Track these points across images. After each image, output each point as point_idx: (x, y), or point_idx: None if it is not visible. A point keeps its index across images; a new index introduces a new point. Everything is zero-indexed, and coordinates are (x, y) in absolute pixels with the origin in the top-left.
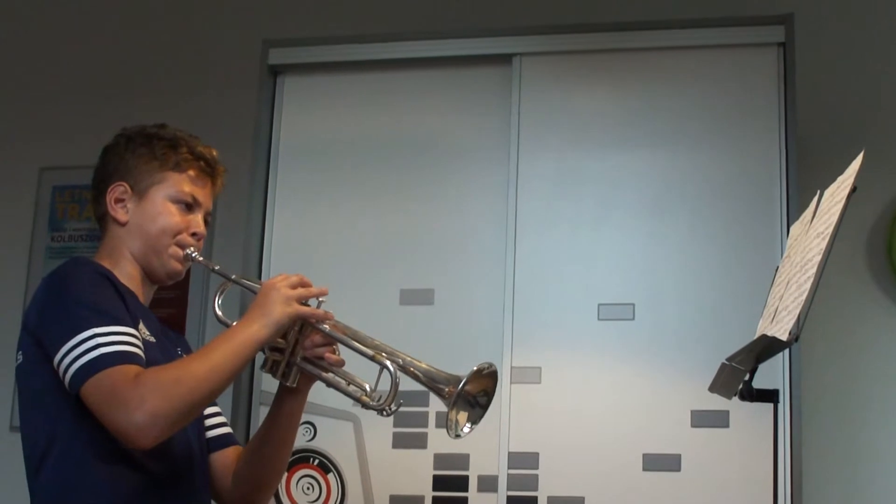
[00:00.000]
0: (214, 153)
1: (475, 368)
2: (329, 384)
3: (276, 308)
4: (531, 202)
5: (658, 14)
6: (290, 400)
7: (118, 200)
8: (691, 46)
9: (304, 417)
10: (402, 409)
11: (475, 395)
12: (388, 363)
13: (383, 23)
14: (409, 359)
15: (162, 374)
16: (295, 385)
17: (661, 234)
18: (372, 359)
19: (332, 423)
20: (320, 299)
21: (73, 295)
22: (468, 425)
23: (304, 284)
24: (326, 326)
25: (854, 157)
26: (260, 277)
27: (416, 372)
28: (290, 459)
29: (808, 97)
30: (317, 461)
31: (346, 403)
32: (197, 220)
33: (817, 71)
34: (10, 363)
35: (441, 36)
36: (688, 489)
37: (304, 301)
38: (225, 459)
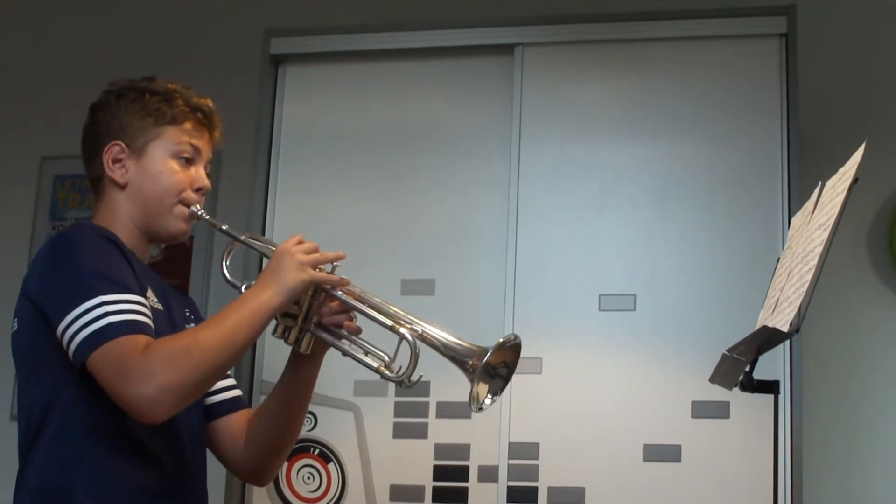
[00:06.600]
0: (210, 103)
1: (500, 340)
2: (345, 353)
3: (290, 274)
4: (532, 192)
5: (660, 4)
6: (304, 366)
7: (115, 161)
8: (693, 37)
9: None
10: (402, 398)
11: (495, 366)
12: (406, 333)
13: (385, 12)
14: (429, 328)
15: (172, 345)
16: (308, 352)
17: (662, 225)
18: (391, 329)
19: (332, 413)
20: (336, 264)
21: (78, 261)
22: (489, 397)
23: (318, 250)
24: (341, 293)
25: (856, 149)
26: (261, 266)
27: (437, 342)
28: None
29: (809, 88)
30: (317, 451)
31: (347, 393)
32: (200, 174)
33: (819, 62)
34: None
35: (442, 26)
36: (688, 480)
37: (318, 266)
38: (236, 423)
